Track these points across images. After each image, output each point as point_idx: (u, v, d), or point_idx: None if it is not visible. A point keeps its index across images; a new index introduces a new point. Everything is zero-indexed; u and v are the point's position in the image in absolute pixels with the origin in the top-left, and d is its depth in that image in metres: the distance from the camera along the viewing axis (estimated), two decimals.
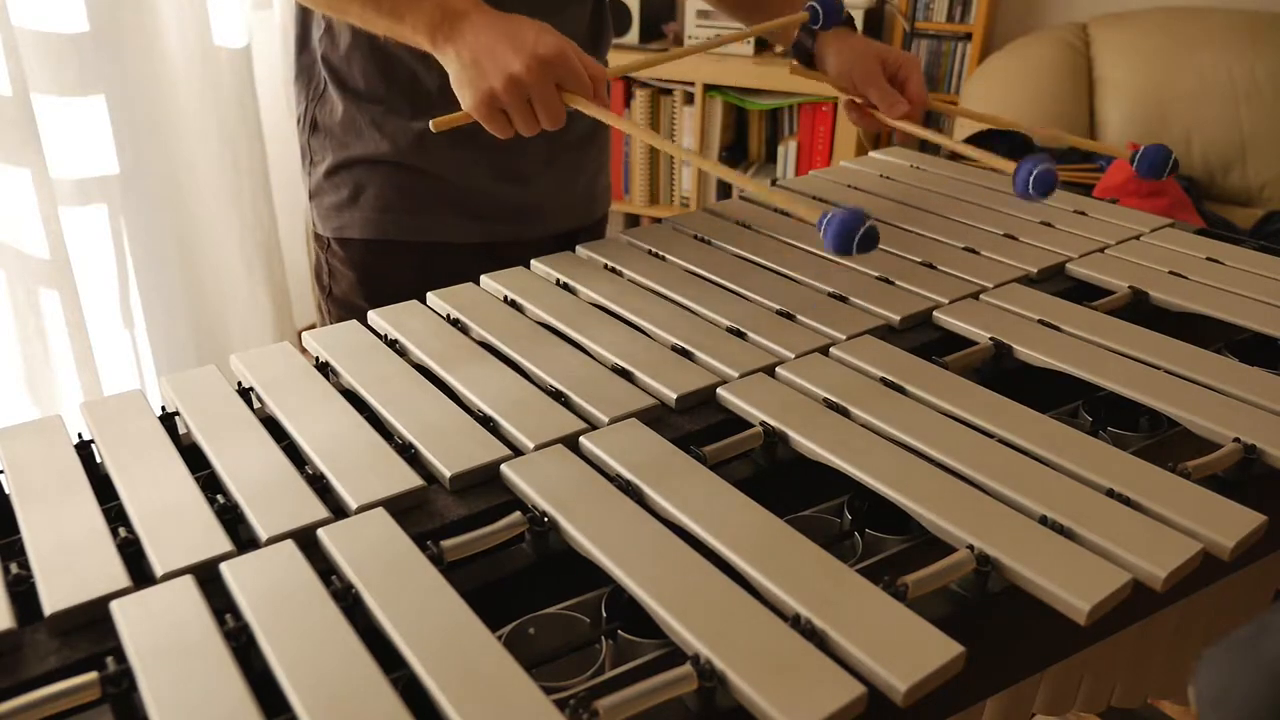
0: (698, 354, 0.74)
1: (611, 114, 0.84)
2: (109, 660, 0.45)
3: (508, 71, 0.78)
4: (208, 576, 0.51)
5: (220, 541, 0.53)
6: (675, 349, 0.75)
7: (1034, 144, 2.37)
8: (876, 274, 0.89)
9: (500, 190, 1.05)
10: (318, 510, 0.56)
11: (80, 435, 0.65)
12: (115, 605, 0.49)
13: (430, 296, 0.85)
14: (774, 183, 1.17)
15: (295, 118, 1.10)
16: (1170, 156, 0.93)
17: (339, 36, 1.00)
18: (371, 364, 0.74)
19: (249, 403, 0.69)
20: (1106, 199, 1.08)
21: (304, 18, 1.04)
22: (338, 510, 0.57)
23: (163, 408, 0.69)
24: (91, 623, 0.49)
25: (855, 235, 0.70)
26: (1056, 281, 0.90)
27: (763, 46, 2.62)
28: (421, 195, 1.03)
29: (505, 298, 0.85)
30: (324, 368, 0.74)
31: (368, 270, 1.06)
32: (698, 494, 0.57)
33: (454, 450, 0.62)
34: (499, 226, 1.06)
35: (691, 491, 0.57)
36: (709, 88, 2.66)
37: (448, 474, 0.60)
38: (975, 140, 2.39)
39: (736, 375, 0.71)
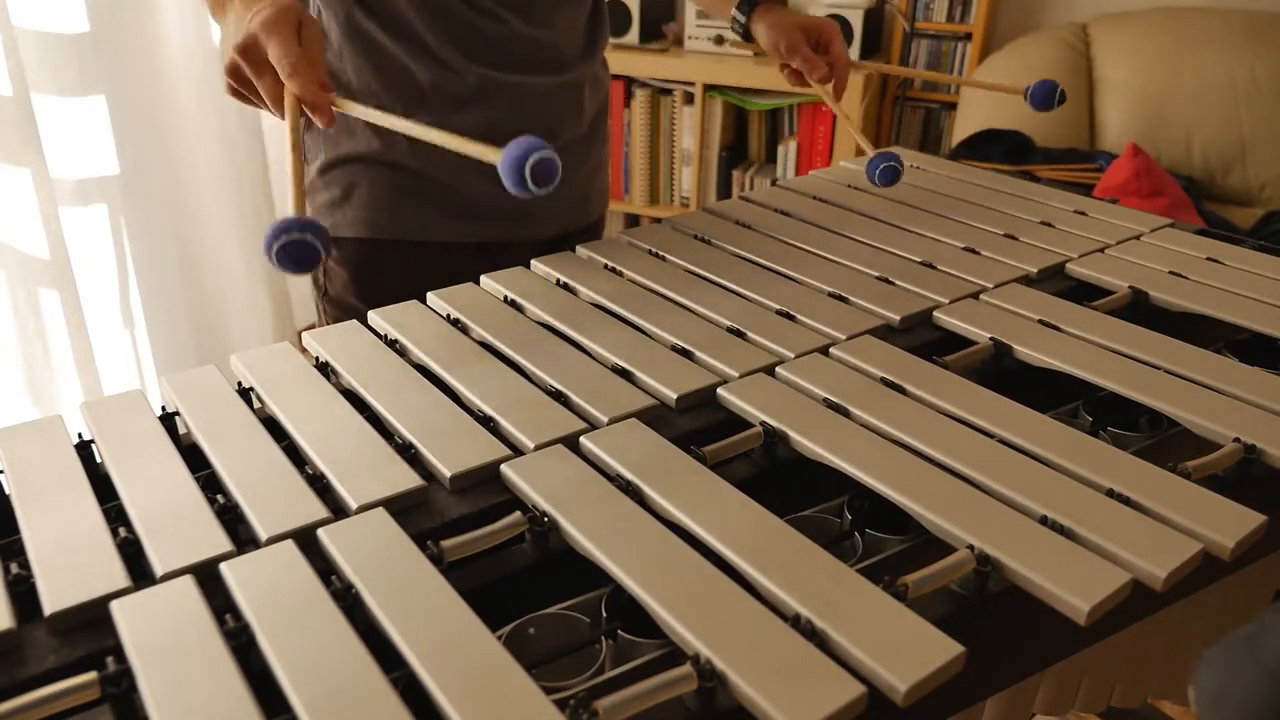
0: (698, 354, 0.74)
1: (359, 106, 0.76)
2: (109, 660, 0.45)
3: (228, 59, 0.75)
4: (208, 576, 0.51)
5: (220, 541, 0.53)
6: (675, 349, 0.75)
7: (1034, 144, 2.37)
8: (876, 274, 0.89)
9: (493, 190, 1.05)
10: (318, 510, 0.56)
11: (80, 435, 0.65)
12: (115, 605, 0.49)
13: (430, 296, 0.85)
14: (774, 182, 1.17)
15: None
16: (1057, 87, 1.06)
17: (329, 31, 1.00)
18: (371, 364, 0.74)
19: (249, 403, 0.69)
20: (1106, 199, 1.08)
21: None
22: (338, 510, 0.57)
23: (163, 408, 0.69)
24: (91, 623, 0.49)
25: (526, 164, 0.63)
26: (1056, 281, 0.90)
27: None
28: (414, 194, 1.03)
29: (505, 298, 0.85)
30: (324, 368, 0.74)
31: (361, 270, 1.06)
32: (698, 494, 0.57)
33: (454, 450, 0.62)
34: (492, 227, 1.06)
35: (691, 491, 0.57)
36: (709, 88, 2.66)
37: (448, 474, 0.60)
38: (975, 140, 2.39)
39: (736, 375, 0.71)
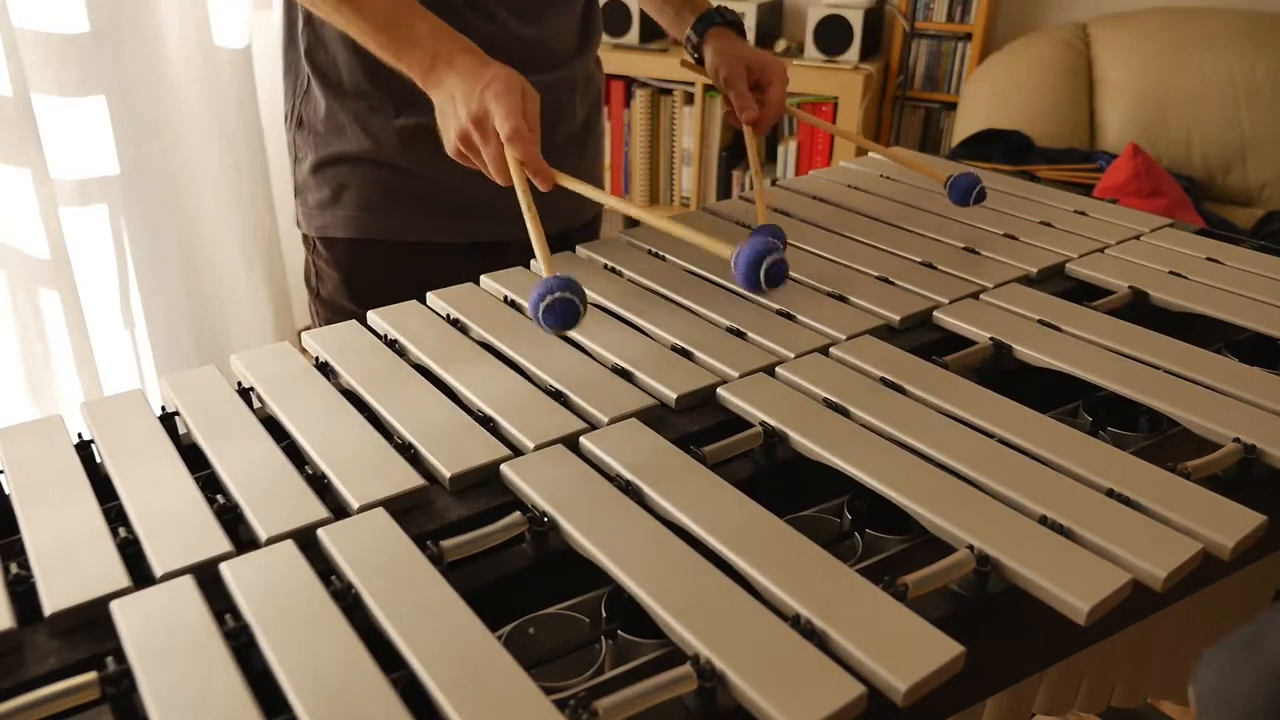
0: (698, 354, 0.74)
1: (580, 183, 0.83)
2: (109, 660, 0.45)
3: (458, 127, 0.81)
4: (208, 576, 0.51)
5: (220, 541, 0.53)
6: (675, 349, 0.75)
7: (1034, 144, 2.37)
8: (876, 274, 0.89)
9: (485, 190, 1.05)
10: (318, 510, 0.56)
11: (80, 435, 0.65)
12: (115, 605, 0.49)
13: (430, 296, 0.85)
14: (774, 182, 1.17)
15: (284, 114, 1.09)
16: (977, 184, 0.98)
17: (322, 31, 0.99)
18: (371, 364, 0.74)
19: (249, 403, 0.69)
20: (1106, 199, 1.08)
21: (289, 12, 1.03)
22: (338, 510, 0.57)
23: (163, 408, 0.69)
24: (91, 623, 0.49)
25: (761, 267, 0.68)
26: (1056, 281, 0.90)
27: (762, 46, 2.62)
28: (405, 194, 1.03)
29: (505, 298, 0.85)
30: (324, 368, 0.74)
31: (352, 270, 1.06)
32: (698, 494, 0.57)
33: (454, 450, 0.62)
34: (484, 226, 1.06)
35: (691, 491, 0.57)
36: (709, 88, 2.66)
37: (448, 474, 0.60)
38: (975, 140, 2.39)
39: (736, 375, 0.71)
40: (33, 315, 1.77)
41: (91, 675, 0.45)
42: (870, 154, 1.27)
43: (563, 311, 0.67)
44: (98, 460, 0.64)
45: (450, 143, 0.83)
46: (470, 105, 0.79)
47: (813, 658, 0.45)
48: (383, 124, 1.00)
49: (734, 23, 1.10)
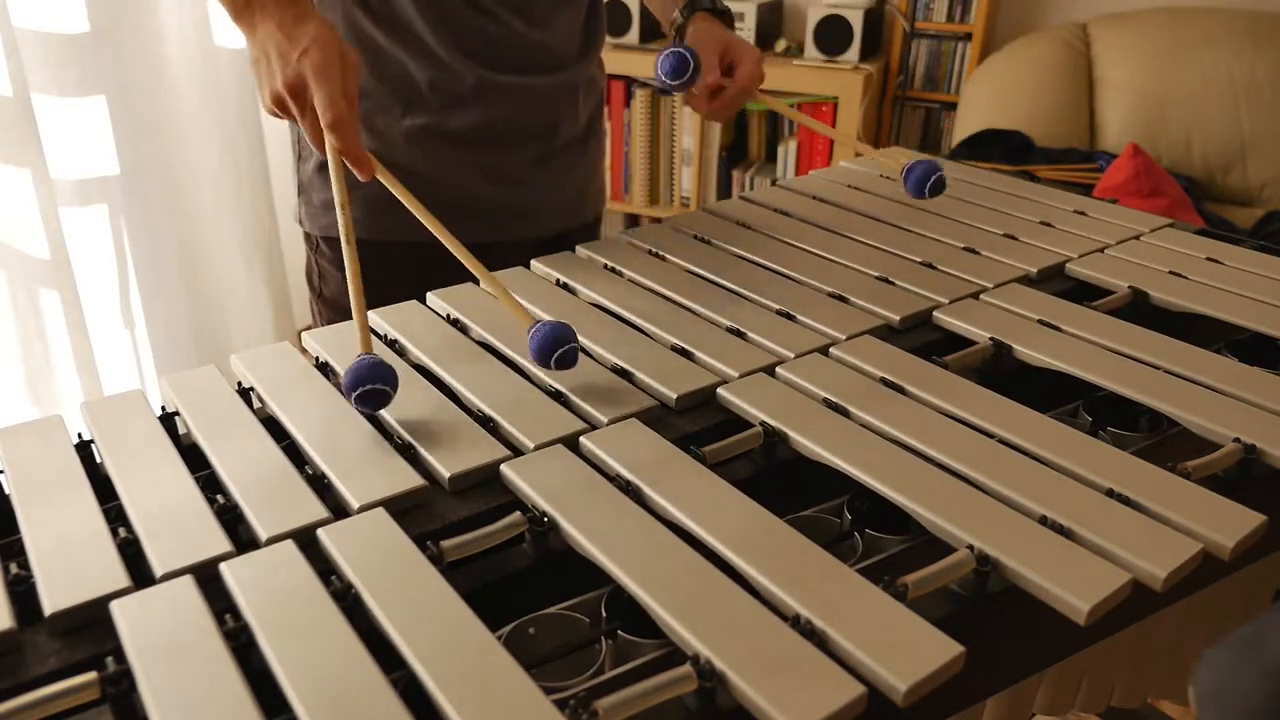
0: (698, 354, 0.74)
1: (401, 189, 0.79)
2: (109, 660, 0.45)
3: (272, 89, 0.78)
4: (208, 576, 0.51)
5: (220, 541, 0.53)
6: (675, 349, 0.75)
7: (1034, 144, 2.37)
8: (876, 274, 0.89)
9: (489, 191, 1.05)
10: (318, 510, 0.56)
11: (80, 435, 0.65)
12: (115, 605, 0.49)
13: (430, 296, 0.85)
14: (774, 183, 1.17)
15: None
16: (935, 173, 0.90)
17: None
18: None
19: (249, 403, 0.69)
20: (1106, 199, 1.08)
21: None
22: (338, 510, 0.57)
23: (163, 408, 0.69)
24: (91, 623, 0.49)
25: (555, 351, 0.67)
26: (1056, 281, 0.90)
27: (762, 46, 2.62)
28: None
29: None
30: (324, 368, 0.74)
31: None
32: (698, 494, 0.57)
33: (454, 450, 0.62)
34: (488, 227, 1.06)
35: (691, 491, 0.57)
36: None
37: (447, 474, 0.60)
38: (975, 140, 2.39)
39: (736, 375, 0.71)
40: (33, 315, 1.77)
41: (91, 675, 0.45)
42: (871, 154, 1.27)
43: (374, 403, 0.64)
44: (98, 460, 0.64)
45: (264, 98, 0.80)
46: (286, 71, 0.76)
47: (813, 658, 0.45)
48: (388, 124, 1.00)
49: (722, 11, 1.08)
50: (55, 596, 0.50)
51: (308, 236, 1.09)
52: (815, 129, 1.12)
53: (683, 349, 0.75)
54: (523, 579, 0.55)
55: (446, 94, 0.99)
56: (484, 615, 0.47)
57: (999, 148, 2.36)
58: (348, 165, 0.77)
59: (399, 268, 1.05)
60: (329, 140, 0.76)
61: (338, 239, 1.05)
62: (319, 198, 1.05)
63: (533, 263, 0.91)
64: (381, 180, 0.79)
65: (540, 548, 0.55)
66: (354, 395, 0.64)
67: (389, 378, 0.64)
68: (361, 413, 0.66)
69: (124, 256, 1.96)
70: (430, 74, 0.99)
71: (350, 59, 0.78)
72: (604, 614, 0.53)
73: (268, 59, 0.78)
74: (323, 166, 1.04)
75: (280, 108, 0.79)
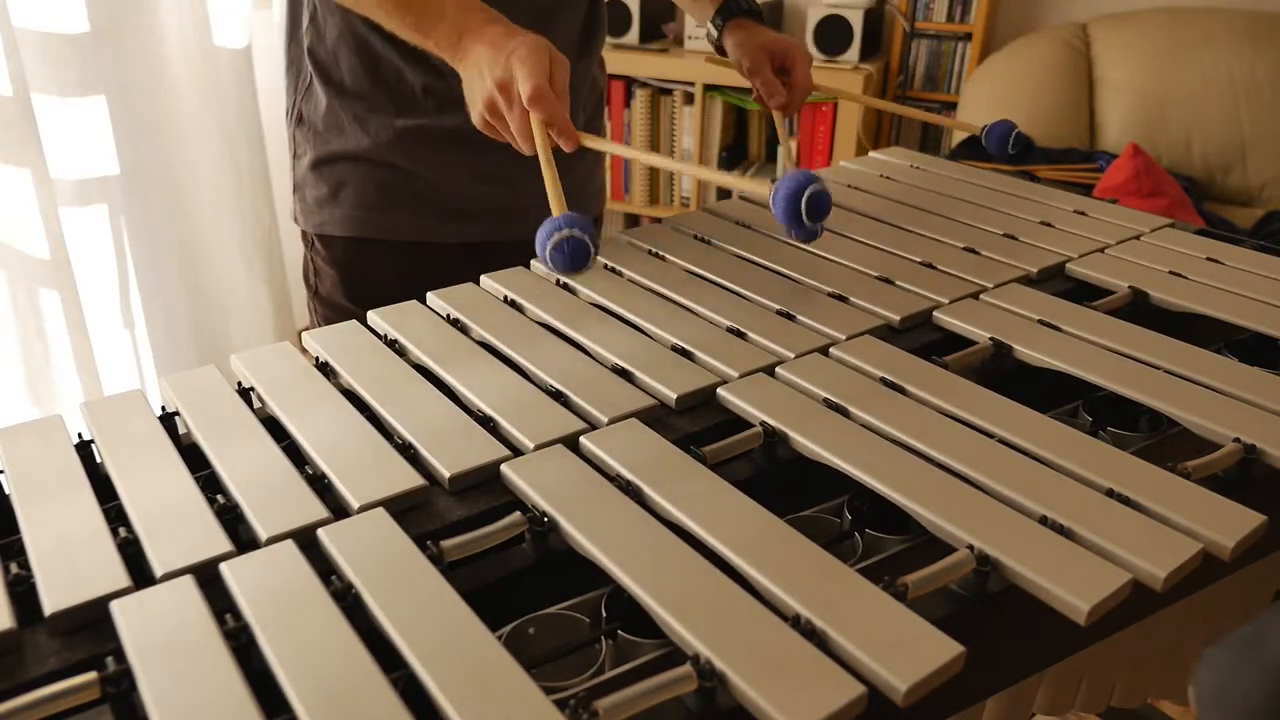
0: (698, 354, 0.74)
1: (606, 141, 0.84)
2: (109, 660, 0.45)
3: (484, 95, 0.80)
4: (208, 576, 0.51)
5: (220, 541, 0.53)
6: (675, 349, 0.75)
7: (1034, 144, 2.37)
8: (876, 274, 0.89)
9: (482, 191, 1.05)
10: (318, 510, 0.56)
11: (80, 435, 0.65)
12: (115, 605, 0.49)
13: (430, 296, 0.85)
14: (774, 183, 1.17)
15: (285, 109, 1.10)
16: (1012, 130, 1.02)
17: (325, 30, 1.00)
18: (371, 364, 0.74)
19: (249, 403, 0.69)
20: (1106, 199, 1.08)
21: (293, 8, 1.03)
22: (338, 510, 0.57)
23: (163, 408, 0.69)
24: (91, 623, 0.49)
25: (802, 199, 0.66)
26: (1056, 281, 0.90)
27: None
28: (402, 194, 1.03)
29: (505, 298, 0.85)
30: (324, 368, 0.74)
31: (350, 269, 1.06)
32: (698, 494, 0.57)
33: (454, 450, 0.62)
34: (482, 227, 1.06)
35: (691, 491, 0.57)
36: (709, 88, 2.66)
37: (447, 474, 0.60)
38: (975, 140, 2.39)
39: (736, 375, 0.71)
40: (33, 315, 1.77)
41: (91, 675, 0.45)
42: (871, 154, 1.27)
43: (572, 251, 0.64)
44: (98, 460, 0.64)
45: (477, 114, 0.82)
46: (495, 72, 0.78)
47: (813, 658, 0.45)
48: (382, 124, 1.00)
49: (752, 11, 1.11)
50: (55, 596, 0.50)
51: (303, 234, 1.10)
52: (871, 104, 1.21)
53: (683, 349, 0.75)
54: (523, 579, 0.55)
55: (442, 97, 1.00)
56: (484, 615, 0.47)
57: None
58: (554, 140, 0.80)
59: (389, 267, 1.06)
60: (533, 116, 0.78)
61: (332, 236, 1.05)
62: (313, 195, 1.05)
63: (533, 263, 0.91)
64: (590, 148, 0.81)
65: (540, 548, 0.55)
66: (549, 245, 0.64)
67: (590, 230, 0.65)
68: (563, 272, 0.67)
69: (124, 256, 1.96)
70: (426, 79, 0.99)
71: (559, 57, 0.80)
72: (604, 614, 0.53)
73: (480, 73, 0.80)
74: (316, 165, 1.04)
75: (492, 113, 0.81)
